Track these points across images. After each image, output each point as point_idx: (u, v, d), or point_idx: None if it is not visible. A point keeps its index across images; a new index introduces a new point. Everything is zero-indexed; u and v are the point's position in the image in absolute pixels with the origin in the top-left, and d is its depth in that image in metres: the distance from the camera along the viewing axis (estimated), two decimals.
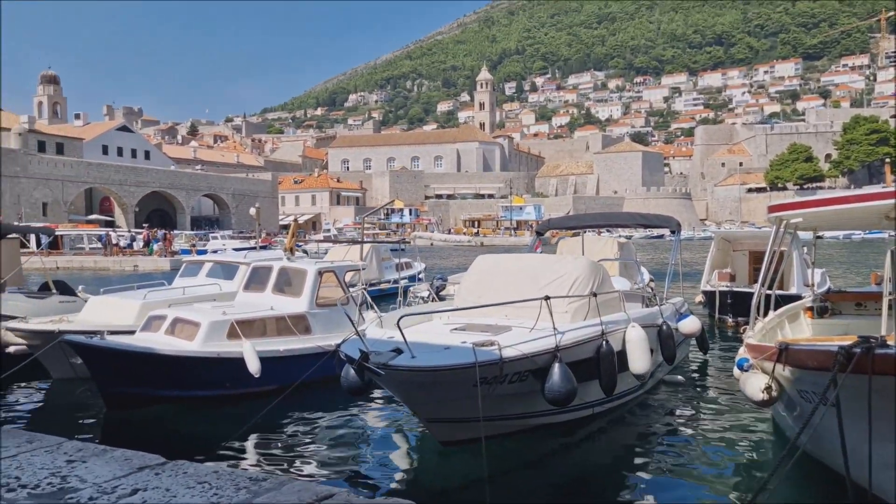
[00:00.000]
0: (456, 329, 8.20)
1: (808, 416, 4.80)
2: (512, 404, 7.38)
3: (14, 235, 15.63)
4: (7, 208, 56.38)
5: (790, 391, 6.18)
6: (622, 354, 8.44)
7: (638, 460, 7.53)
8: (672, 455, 7.60)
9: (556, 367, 7.03)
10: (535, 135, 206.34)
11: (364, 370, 6.65)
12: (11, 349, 10.46)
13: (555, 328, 7.30)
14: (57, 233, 39.74)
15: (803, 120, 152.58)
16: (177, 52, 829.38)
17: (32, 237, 29.33)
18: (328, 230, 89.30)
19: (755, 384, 6.30)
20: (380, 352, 6.53)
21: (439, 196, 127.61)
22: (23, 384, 10.83)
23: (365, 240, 21.98)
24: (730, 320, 16.54)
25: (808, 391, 5.72)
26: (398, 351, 6.53)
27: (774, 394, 6.21)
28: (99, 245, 46.43)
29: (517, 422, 7.62)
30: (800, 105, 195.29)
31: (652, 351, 9.15)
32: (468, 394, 6.52)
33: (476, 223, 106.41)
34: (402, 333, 6.55)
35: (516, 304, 7.99)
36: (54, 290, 14.54)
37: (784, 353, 5.68)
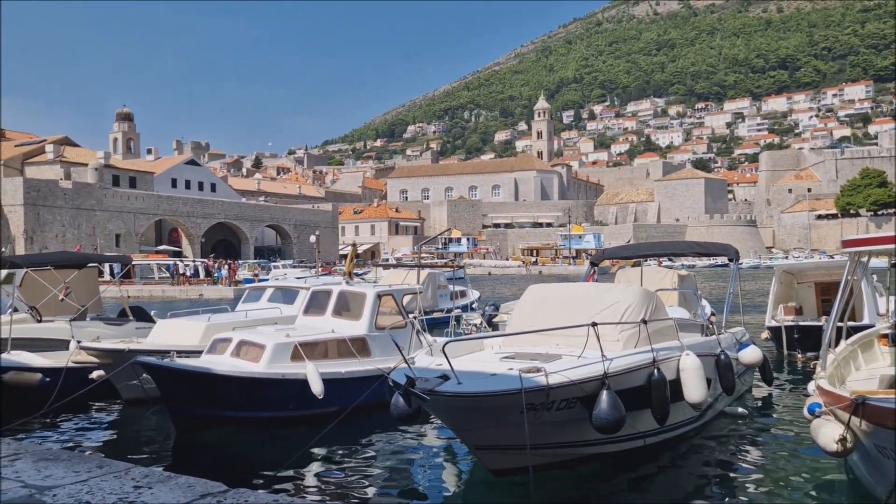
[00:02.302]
0: (505, 357, 8.19)
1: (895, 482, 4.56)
2: (560, 432, 7.30)
3: (93, 265, 16.39)
4: (84, 240, 59.18)
5: (868, 445, 5.82)
6: (676, 383, 8.23)
7: (694, 501, 7.24)
8: (734, 495, 7.33)
9: (604, 395, 6.93)
10: (594, 163, 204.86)
11: (410, 396, 6.70)
12: (94, 374, 10.89)
13: (603, 355, 7.21)
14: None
15: (876, 144, 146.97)
16: (242, 88, 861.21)
17: (107, 267, 30.81)
18: (387, 259, 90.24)
19: (828, 434, 5.92)
20: (426, 378, 6.58)
21: (497, 225, 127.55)
22: (96, 405, 11.31)
23: (422, 265, 22.06)
24: (799, 355, 15.92)
25: (888, 448, 5.42)
26: (445, 377, 6.57)
27: (849, 445, 5.82)
28: (167, 274, 48.23)
29: (566, 450, 7.51)
30: (872, 128, 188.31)
31: (709, 381, 8.89)
32: (515, 420, 6.50)
33: (534, 252, 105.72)
34: (448, 360, 6.60)
35: (567, 333, 7.94)
36: (131, 317, 15.15)
37: (861, 408, 5.38)
